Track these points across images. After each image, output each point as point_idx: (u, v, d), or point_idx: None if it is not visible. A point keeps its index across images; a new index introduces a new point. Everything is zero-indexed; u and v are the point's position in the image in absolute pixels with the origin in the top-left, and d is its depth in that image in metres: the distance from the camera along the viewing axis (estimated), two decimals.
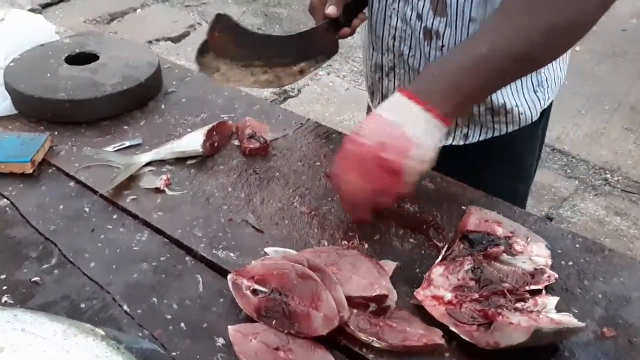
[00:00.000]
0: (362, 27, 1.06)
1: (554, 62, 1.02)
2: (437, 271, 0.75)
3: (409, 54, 0.98)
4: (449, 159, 1.04)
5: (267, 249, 0.79)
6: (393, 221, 0.86)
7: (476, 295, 0.72)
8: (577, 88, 3.12)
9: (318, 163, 0.96)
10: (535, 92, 1.03)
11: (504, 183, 1.12)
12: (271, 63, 0.97)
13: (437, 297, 0.72)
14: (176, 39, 3.44)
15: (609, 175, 2.68)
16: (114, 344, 0.63)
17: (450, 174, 0.94)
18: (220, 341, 0.68)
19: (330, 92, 3.11)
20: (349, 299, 0.70)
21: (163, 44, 3.37)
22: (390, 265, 0.77)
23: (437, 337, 0.68)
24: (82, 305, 0.72)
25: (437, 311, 0.70)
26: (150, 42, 3.35)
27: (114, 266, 0.77)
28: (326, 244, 0.81)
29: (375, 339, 0.68)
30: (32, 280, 0.75)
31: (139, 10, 3.74)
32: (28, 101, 1.03)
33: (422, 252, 0.81)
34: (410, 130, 0.74)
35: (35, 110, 1.04)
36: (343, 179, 0.78)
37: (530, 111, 1.03)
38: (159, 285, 0.75)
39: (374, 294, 0.70)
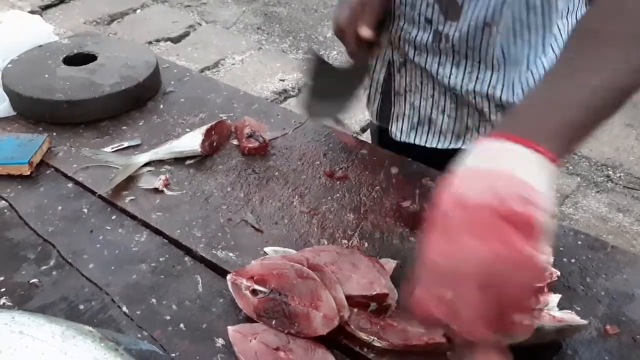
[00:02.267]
0: None
1: None
2: None
3: (414, 54, 0.97)
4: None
5: (266, 249, 0.79)
6: (393, 220, 0.85)
7: None
8: None
9: (318, 162, 0.95)
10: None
11: None
12: (346, 93, 0.98)
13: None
14: (176, 39, 3.44)
15: (611, 172, 2.67)
16: (113, 346, 0.63)
17: None
18: (220, 342, 0.68)
19: None
20: (349, 298, 0.69)
21: (163, 45, 3.36)
22: (390, 264, 0.76)
23: (438, 336, 0.67)
24: (81, 307, 0.72)
25: None
26: (150, 42, 3.35)
27: (113, 267, 0.76)
28: (326, 243, 0.81)
29: (376, 338, 0.67)
30: (31, 282, 0.74)
31: (138, 11, 3.74)
32: (26, 102, 1.03)
33: None
34: (523, 175, 0.50)
35: (33, 111, 1.04)
36: (453, 258, 0.49)
37: None
38: (158, 286, 0.74)
39: (374, 293, 0.70)
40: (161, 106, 1.07)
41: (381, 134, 1.12)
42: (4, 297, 0.72)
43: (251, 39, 3.48)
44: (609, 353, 0.68)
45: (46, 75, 1.06)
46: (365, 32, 0.89)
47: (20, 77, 1.06)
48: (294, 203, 0.87)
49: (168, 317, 0.70)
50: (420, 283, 0.50)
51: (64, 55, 1.12)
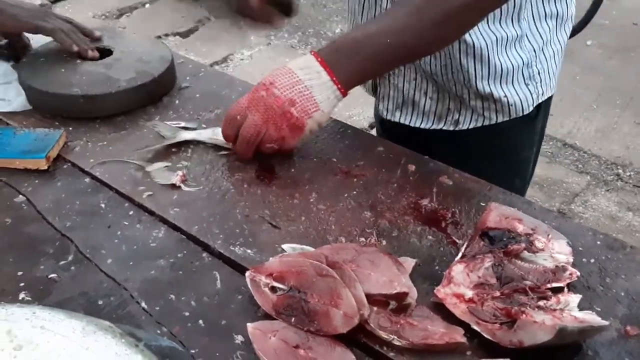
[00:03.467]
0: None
1: (546, 55, 1.03)
2: (457, 269, 0.74)
3: None
4: (443, 145, 1.07)
5: (284, 246, 0.78)
6: (411, 218, 0.85)
7: (498, 293, 0.71)
8: (588, 83, 3.09)
9: (334, 159, 0.95)
10: (526, 85, 1.04)
11: (501, 176, 1.12)
12: None
13: (457, 295, 0.71)
14: (185, 34, 3.44)
15: (620, 171, 2.66)
16: (133, 342, 0.63)
17: (445, 162, 0.95)
18: (239, 338, 0.68)
19: None
20: (368, 296, 0.69)
21: (172, 39, 3.36)
22: (409, 263, 0.76)
23: (459, 336, 0.67)
24: (100, 302, 0.72)
25: (458, 309, 0.69)
26: (159, 37, 3.35)
27: (131, 262, 0.76)
28: (343, 240, 0.81)
29: (395, 337, 0.67)
30: (49, 276, 0.74)
31: (147, 5, 3.74)
32: (42, 96, 1.03)
33: (441, 249, 0.80)
34: (318, 95, 0.86)
35: (49, 106, 1.04)
36: (247, 115, 0.87)
37: (522, 104, 1.04)
38: (177, 281, 0.74)
39: (394, 292, 0.69)
40: (176, 102, 1.07)
41: (382, 120, 1.17)
42: (23, 292, 0.72)
43: (260, 34, 3.48)
44: (629, 354, 0.68)
45: (62, 70, 1.06)
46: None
47: (37, 71, 1.06)
48: (311, 200, 0.87)
49: (187, 314, 0.70)
50: (238, 103, 0.90)
51: None
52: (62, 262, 0.76)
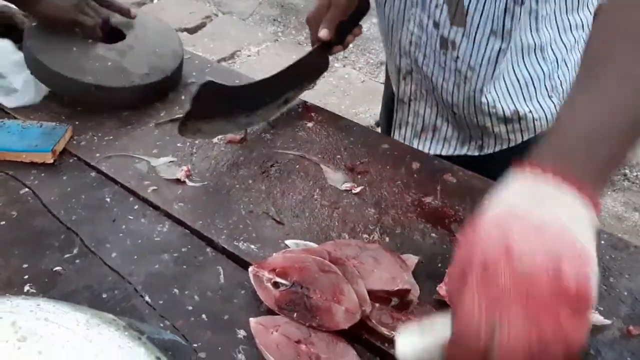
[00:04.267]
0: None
1: (569, 65, 1.00)
2: None
3: (423, 62, 0.97)
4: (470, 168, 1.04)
5: (287, 242, 0.79)
6: (414, 215, 0.85)
7: None
8: None
9: (339, 156, 0.95)
10: (550, 97, 1.00)
11: None
12: (254, 106, 0.98)
13: None
14: (192, 30, 3.44)
15: (627, 171, 2.65)
16: (136, 335, 0.63)
17: None
18: (242, 333, 0.68)
19: (346, 85, 3.10)
20: (370, 292, 0.69)
21: (179, 35, 3.37)
22: (412, 260, 0.76)
23: None
24: (104, 295, 0.72)
25: None
26: None
27: (135, 256, 0.77)
28: (347, 237, 0.81)
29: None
30: (54, 269, 0.75)
31: (155, 1, 3.75)
32: (53, 77, 1.00)
33: (444, 246, 0.80)
34: (578, 233, 0.46)
35: (59, 87, 1.02)
36: (502, 324, 0.43)
37: (547, 117, 1.00)
38: (180, 276, 0.75)
39: (396, 288, 0.70)
40: (182, 97, 1.07)
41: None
42: (28, 284, 0.73)
43: (267, 30, 3.48)
44: (632, 354, 0.68)
45: (74, 49, 1.03)
46: (323, 33, 0.98)
47: (47, 45, 1.02)
48: (315, 196, 0.87)
49: (190, 308, 0.71)
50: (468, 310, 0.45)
51: None
52: (67, 255, 0.77)
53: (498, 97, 0.97)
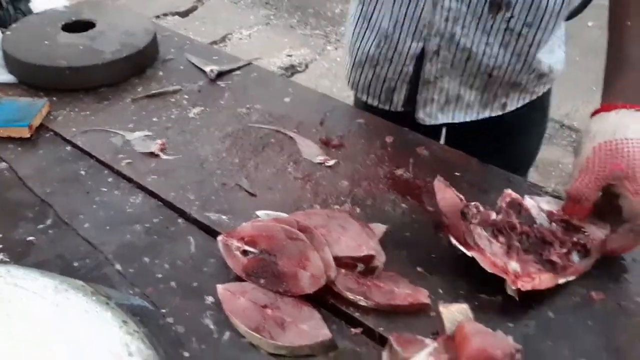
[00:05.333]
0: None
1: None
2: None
3: (461, 33, 0.95)
4: (487, 133, 1.05)
5: (258, 212, 0.80)
6: (386, 187, 0.86)
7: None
8: (588, 65, 3.07)
9: (314, 130, 0.96)
10: (560, 46, 1.05)
11: (533, 150, 1.16)
12: None
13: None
14: (184, 14, 3.44)
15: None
16: (104, 300, 0.65)
17: (485, 148, 0.94)
18: (210, 299, 0.69)
19: (337, 68, 3.10)
20: (337, 259, 0.70)
21: (170, 19, 3.36)
22: (380, 229, 0.77)
23: (423, 297, 0.69)
24: (75, 264, 0.73)
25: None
26: (157, 16, 3.35)
27: (108, 227, 0.78)
28: (318, 208, 0.82)
29: (362, 298, 0.68)
30: (28, 239, 0.76)
31: None
32: (28, 69, 1.04)
33: (414, 216, 0.81)
34: None
35: (35, 78, 1.05)
36: None
37: (561, 66, 1.05)
38: (152, 245, 0.76)
39: (361, 255, 0.71)
40: (160, 73, 1.08)
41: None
42: (2, 254, 0.74)
43: (259, 13, 3.47)
44: (593, 318, 0.69)
45: (46, 42, 1.07)
46: None
47: (21, 43, 1.07)
48: (289, 169, 0.88)
49: (160, 276, 0.72)
50: None
51: (63, 23, 1.12)
52: (41, 226, 0.78)
53: (539, 51, 0.98)
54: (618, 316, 0.70)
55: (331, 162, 0.90)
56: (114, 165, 0.87)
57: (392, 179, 0.88)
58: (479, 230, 0.74)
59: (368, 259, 0.71)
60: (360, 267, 0.71)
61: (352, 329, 0.67)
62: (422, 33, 0.97)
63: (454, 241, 0.72)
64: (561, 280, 0.71)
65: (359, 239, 0.73)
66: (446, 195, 0.75)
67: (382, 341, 0.65)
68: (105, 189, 0.84)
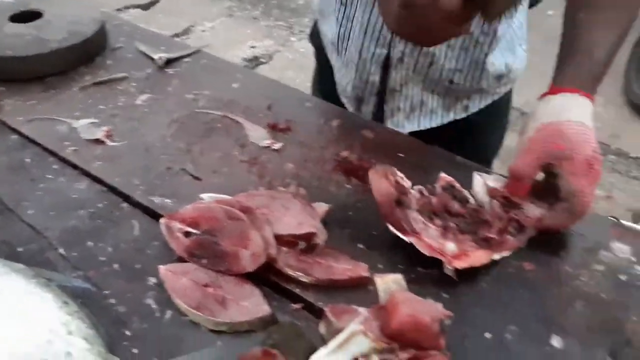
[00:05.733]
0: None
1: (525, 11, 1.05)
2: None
3: None
4: (449, 133, 1.06)
5: (202, 195, 0.81)
6: (331, 168, 0.88)
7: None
8: (548, 52, 3.13)
9: (261, 115, 0.97)
10: (521, 45, 1.06)
11: (496, 145, 1.19)
12: None
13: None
14: (145, 7, 3.41)
15: None
16: (45, 282, 0.65)
17: (448, 146, 0.94)
18: (152, 280, 0.70)
19: (302, 59, 3.11)
20: (278, 237, 0.72)
21: (132, 12, 3.33)
22: (322, 208, 0.79)
23: (363, 271, 0.71)
24: (20, 249, 0.73)
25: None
26: (119, 9, 3.31)
27: (52, 213, 0.78)
28: (263, 190, 0.83)
29: (302, 274, 0.70)
30: None
31: None
32: None
33: (357, 196, 0.83)
34: (588, 122, 0.75)
35: None
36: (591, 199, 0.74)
37: (522, 65, 1.07)
38: (95, 230, 0.76)
39: (302, 232, 0.72)
40: (109, 62, 1.08)
41: None
42: None
43: (222, 5, 3.46)
44: (524, 288, 0.72)
45: None
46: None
47: None
48: (235, 153, 0.89)
49: (103, 259, 0.73)
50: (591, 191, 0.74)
51: (10, 14, 1.11)
52: None
53: (497, 54, 1.01)
54: (548, 286, 0.73)
55: (278, 146, 0.91)
56: (59, 152, 0.87)
57: (338, 161, 0.90)
58: (414, 215, 0.76)
59: (309, 237, 0.73)
60: (302, 244, 0.73)
61: (293, 305, 0.69)
62: (386, 39, 0.98)
63: (391, 228, 0.74)
64: (496, 256, 0.74)
65: (300, 218, 0.74)
66: (381, 186, 0.77)
67: (322, 315, 0.66)
68: (51, 176, 0.84)
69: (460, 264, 0.72)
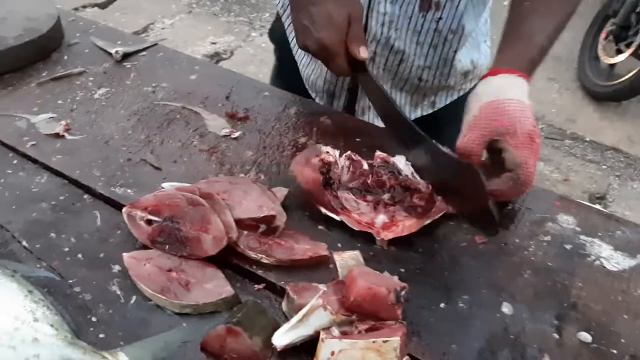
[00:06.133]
0: None
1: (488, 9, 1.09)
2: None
3: (395, 36, 0.98)
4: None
5: (163, 184, 0.82)
6: (290, 154, 0.90)
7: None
8: None
9: (220, 105, 0.99)
10: (486, 41, 1.10)
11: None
12: None
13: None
14: (103, 5, 3.37)
15: None
16: (9, 272, 0.66)
17: None
18: (117, 268, 0.72)
19: (263, 53, 3.12)
20: (239, 221, 0.74)
21: (90, 11, 3.29)
22: (282, 192, 0.81)
23: (322, 250, 0.73)
24: None
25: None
26: (76, 9, 3.26)
27: (14, 207, 0.79)
28: (223, 177, 0.85)
29: (264, 255, 0.72)
30: None
31: None
32: None
33: None
34: (525, 99, 0.80)
35: None
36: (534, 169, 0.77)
37: (487, 60, 1.11)
38: (58, 221, 0.77)
39: (262, 215, 0.74)
40: (65, 57, 1.08)
41: None
42: None
43: (181, 2, 3.44)
44: (476, 259, 0.76)
45: None
46: (364, 52, 0.82)
47: None
48: (194, 143, 0.91)
49: (67, 249, 0.74)
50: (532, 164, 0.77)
51: None
52: None
53: (464, 51, 1.04)
54: (498, 257, 0.77)
55: (237, 134, 0.93)
56: (18, 147, 0.87)
57: (296, 147, 0.92)
58: (346, 195, 0.80)
59: (269, 220, 0.75)
60: (263, 227, 0.75)
61: (256, 285, 0.71)
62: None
63: (323, 210, 0.78)
64: (427, 221, 0.78)
65: (260, 201, 0.77)
66: (305, 175, 0.80)
67: (284, 294, 0.69)
68: (10, 171, 0.84)
69: (388, 235, 0.76)
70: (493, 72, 0.82)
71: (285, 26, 1.12)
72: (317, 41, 0.82)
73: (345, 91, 1.07)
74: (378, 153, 0.85)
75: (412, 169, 0.84)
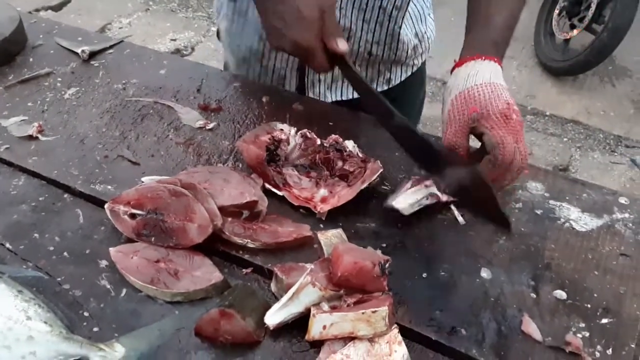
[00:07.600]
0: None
1: None
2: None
3: (341, 13, 0.99)
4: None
5: (143, 178, 0.83)
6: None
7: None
8: (462, 23, 3.27)
9: (192, 97, 1.00)
10: (430, 14, 1.13)
11: (416, 114, 1.26)
12: None
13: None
14: (57, 7, 3.30)
15: None
16: None
17: None
18: (104, 263, 0.72)
19: None
20: (222, 209, 0.75)
21: (43, 14, 3.22)
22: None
23: (306, 231, 0.75)
24: None
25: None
26: (29, 12, 3.19)
27: None
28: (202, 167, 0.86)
29: (249, 240, 0.74)
30: None
31: None
32: None
33: None
34: (501, 82, 0.80)
35: None
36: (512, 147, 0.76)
37: (432, 34, 1.15)
38: (40, 222, 0.77)
39: (244, 201, 0.76)
40: (31, 59, 1.07)
41: None
42: None
43: (137, 0, 3.39)
44: (453, 230, 0.79)
45: None
46: (343, 45, 0.80)
47: None
48: (170, 136, 0.92)
49: (51, 248, 0.74)
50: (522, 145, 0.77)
51: None
52: None
53: (410, 25, 1.07)
54: (474, 226, 0.80)
55: (211, 125, 0.94)
56: None
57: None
58: (290, 172, 0.84)
59: (252, 205, 0.77)
60: (246, 213, 0.77)
61: (244, 270, 0.73)
62: None
63: (267, 185, 0.81)
64: (362, 186, 0.80)
65: (241, 188, 0.78)
66: (249, 152, 0.83)
67: (271, 276, 0.71)
68: None
69: (324, 207, 0.79)
70: (459, 62, 0.83)
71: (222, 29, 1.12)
72: (291, 41, 0.78)
73: (296, 71, 1.08)
74: (332, 136, 0.88)
75: (357, 149, 0.87)
